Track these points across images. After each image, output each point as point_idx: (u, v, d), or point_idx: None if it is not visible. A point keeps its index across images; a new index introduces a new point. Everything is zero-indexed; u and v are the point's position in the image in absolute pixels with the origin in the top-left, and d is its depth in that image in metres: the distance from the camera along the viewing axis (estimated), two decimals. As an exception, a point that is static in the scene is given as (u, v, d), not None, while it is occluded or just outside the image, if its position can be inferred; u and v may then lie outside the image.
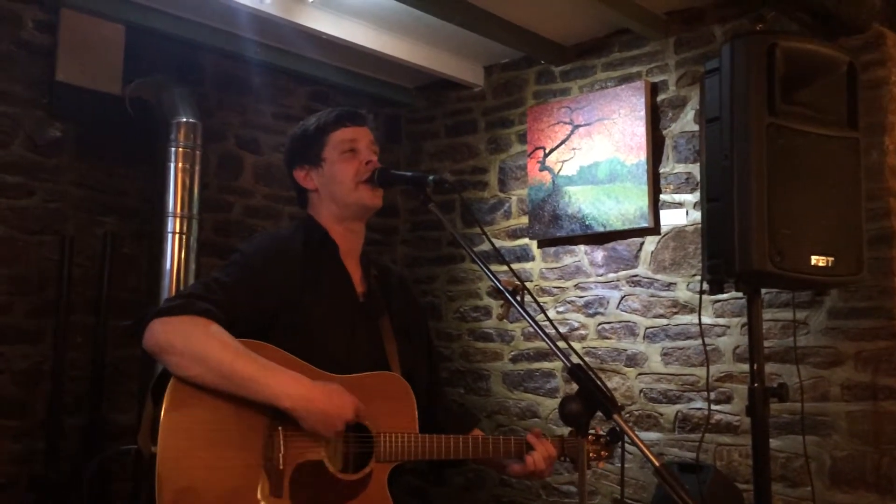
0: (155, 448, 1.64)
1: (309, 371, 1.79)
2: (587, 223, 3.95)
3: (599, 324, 3.95)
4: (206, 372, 1.68)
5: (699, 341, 3.52)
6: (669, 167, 3.77)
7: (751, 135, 2.65)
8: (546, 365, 4.13)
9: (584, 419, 1.55)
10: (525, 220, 4.27)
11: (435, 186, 1.88)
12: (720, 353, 3.53)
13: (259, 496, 1.69)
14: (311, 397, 1.70)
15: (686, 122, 3.74)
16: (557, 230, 4.08)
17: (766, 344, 3.02)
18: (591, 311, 3.99)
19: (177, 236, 3.57)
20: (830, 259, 2.69)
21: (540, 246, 4.22)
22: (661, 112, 3.83)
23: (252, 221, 4.25)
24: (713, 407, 3.51)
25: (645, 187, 3.75)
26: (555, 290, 4.13)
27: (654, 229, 3.77)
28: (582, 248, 4.04)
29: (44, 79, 3.56)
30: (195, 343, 1.69)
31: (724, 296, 3.44)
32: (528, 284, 4.21)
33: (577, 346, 3.97)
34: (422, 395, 1.96)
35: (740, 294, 3.28)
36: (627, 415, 3.77)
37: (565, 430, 2.05)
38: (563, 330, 4.02)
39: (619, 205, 3.84)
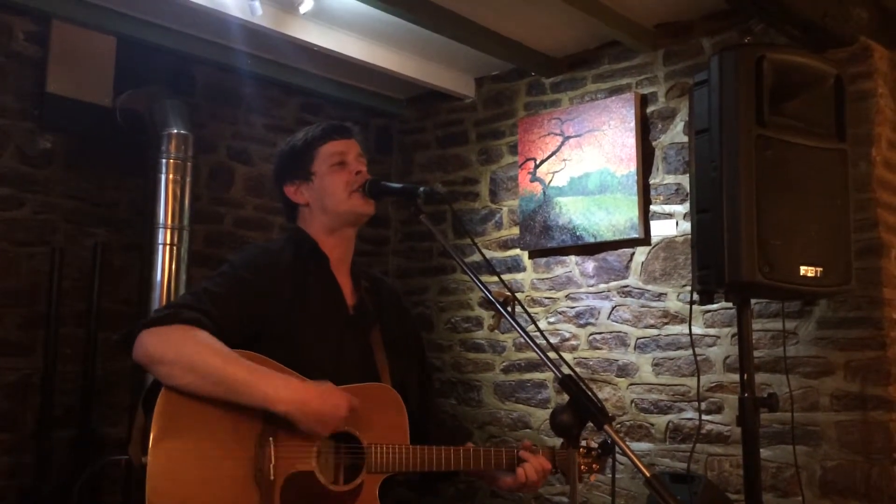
0: (146, 459, 1.63)
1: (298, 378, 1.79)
2: (578, 234, 3.97)
3: (590, 334, 3.96)
4: (198, 379, 1.68)
5: (690, 351, 3.53)
6: (659, 178, 3.79)
7: (739, 146, 2.67)
8: (537, 375, 4.14)
9: (575, 430, 1.55)
10: (516, 230, 4.28)
11: (426, 198, 1.89)
12: (711, 364, 3.54)
13: (250, 507, 1.68)
14: (305, 399, 1.70)
15: (676, 133, 3.77)
16: (548, 241, 4.09)
17: (756, 354, 3.04)
18: (582, 322, 4.00)
19: (167, 248, 3.57)
20: (819, 269, 2.71)
21: (531, 257, 4.23)
22: (650, 123, 3.85)
23: (243, 233, 4.25)
24: (704, 417, 3.51)
25: (635, 198, 3.77)
26: (546, 301, 4.14)
27: (645, 240, 3.79)
28: (573, 258, 4.06)
29: (34, 90, 3.55)
30: (186, 351, 1.69)
31: (715, 306, 3.46)
32: (519, 295, 4.22)
33: (568, 356, 3.98)
34: (413, 408, 1.96)
35: (730, 304, 3.30)
36: (618, 425, 3.78)
37: (557, 441, 2.04)
38: (554, 340, 4.02)
39: (610, 216, 3.85)
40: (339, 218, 2.02)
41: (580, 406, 1.54)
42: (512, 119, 4.39)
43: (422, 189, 1.89)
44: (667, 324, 3.71)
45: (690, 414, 3.58)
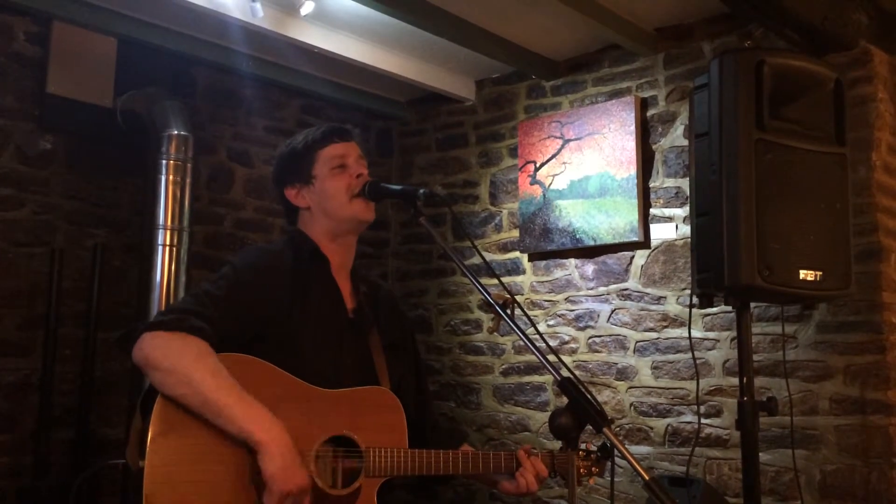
0: (143, 463, 1.63)
1: (298, 386, 1.79)
2: (578, 237, 3.97)
3: (590, 337, 3.96)
4: (189, 394, 1.67)
5: (689, 355, 3.54)
6: (659, 182, 3.79)
7: (739, 150, 2.67)
8: (536, 378, 4.14)
9: (574, 433, 1.56)
10: (516, 233, 4.28)
11: (426, 200, 1.89)
12: (710, 367, 3.54)
13: (247, 511, 1.68)
14: (285, 441, 1.67)
15: (675, 136, 3.77)
16: (548, 244, 4.09)
17: (755, 358, 3.04)
18: (581, 325, 4.00)
19: (167, 249, 3.56)
20: (819, 273, 2.71)
21: (531, 259, 4.23)
22: (650, 127, 3.85)
23: (243, 234, 4.25)
24: (703, 420, 3.51)
25: (635, 201, 3.77)
26: (545, 304, 4.14)
27: (645, 243, 3.79)
28: (572, 261, 4.06)
29: (35, 91, 3.56)
30: (183, 364, 1.68)
31: (714, 309, 3.46)
32: (518, 298, 4.22)
33: (567, 359, 3.98)
34: (410, 411, 1.96)
35: (730, 308, 3.30)
36: (618, 428, 3.78)
37: (556, 444, 2.04)
38: (553, 343, 4.02)
39: (610, 219, 3.85)
40: (341, 223, 2.02)
41: (579, 409, 1.54)
42: (512, 122, 4.40)
43: (422, 191, 1.90)
44: (666, 327, 3.71)
45: (689, 417, 3.58)
